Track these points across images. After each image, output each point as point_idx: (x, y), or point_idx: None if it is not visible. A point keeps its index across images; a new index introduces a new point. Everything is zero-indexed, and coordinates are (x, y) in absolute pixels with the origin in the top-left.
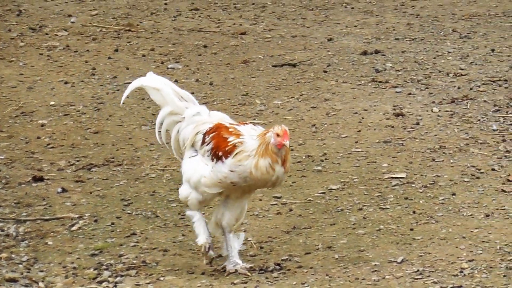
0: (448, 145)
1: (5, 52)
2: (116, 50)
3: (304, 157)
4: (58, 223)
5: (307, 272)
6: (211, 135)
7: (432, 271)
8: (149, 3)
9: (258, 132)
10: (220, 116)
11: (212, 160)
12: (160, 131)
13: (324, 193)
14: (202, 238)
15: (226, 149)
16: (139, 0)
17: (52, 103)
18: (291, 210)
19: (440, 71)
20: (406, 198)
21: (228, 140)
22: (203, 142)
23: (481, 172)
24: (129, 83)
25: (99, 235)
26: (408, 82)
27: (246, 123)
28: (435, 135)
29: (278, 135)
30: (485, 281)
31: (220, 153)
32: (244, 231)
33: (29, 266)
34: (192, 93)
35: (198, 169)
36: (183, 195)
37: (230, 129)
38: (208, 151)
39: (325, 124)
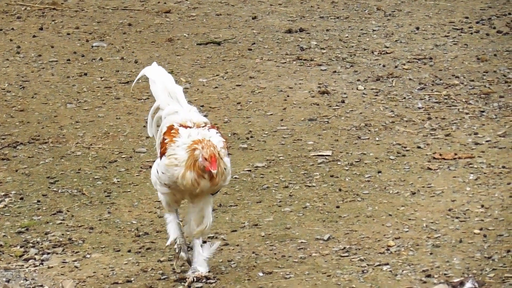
0: (374, 123)
1: None
2: (41, 29)
3: (229, 135)
4: None
5: (233, 249)
6: (163, 135)
7: (359, 249)
8: None
9: (193, 139)
10: (196, 120)
11: (158, 157)
12: (150, 125)
13: (250, 170)
14: (170, 238)
15: (162, 149)
16: None
17: None
18: None
19: (365, 49)
20: (332, 176)
21: (165, 141)
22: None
23: (406, 150)
24: (55, 61)
25: (25, 212)
26: (333, 60)
27: (198, 127)
28: (361, 113)
29: (205, 159)
30: (411, 258)
31: (160, 152)
32: (223, 239)
33: None
34: (186, 89)
35: (154, 167)
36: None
37: (172, 131)
38: (157, 148)
39: (250, 102)
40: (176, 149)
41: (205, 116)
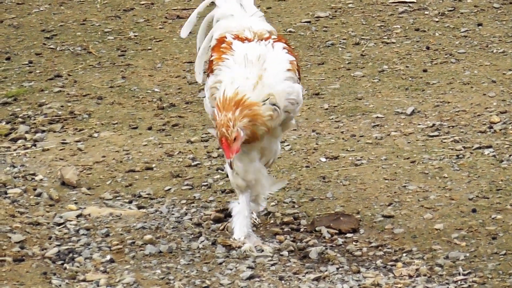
0: None
1: None
2: None
3: None
4: None
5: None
6: (211, 49)
7: (452, 126)
8: None
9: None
10: (258, 28)
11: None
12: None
13: (309, 22)
14: (237, 234)
15: (209, 69)
16: None
17: None
18: None
19: None
20: (418, 30)
21: (212, 59)
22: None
23: None
24: None
25: (12, 77)
26: None
27: (260, 40)
28: None
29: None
30: None
31: (208, 70)
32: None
33: None
34: None
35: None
36: None
37: (223, 45)
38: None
39: None
40: (222, 73)
41: None
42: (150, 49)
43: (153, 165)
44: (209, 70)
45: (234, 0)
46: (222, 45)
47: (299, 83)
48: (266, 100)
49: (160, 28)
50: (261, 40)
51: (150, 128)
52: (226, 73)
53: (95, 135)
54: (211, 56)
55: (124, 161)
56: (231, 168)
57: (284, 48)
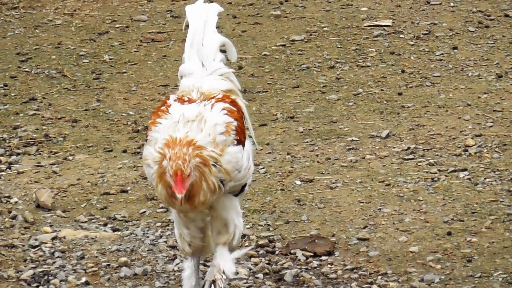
0: None
1: None
2: None
3: None
4: None
5: (261, 150)
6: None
7: (427, 149)
8: None
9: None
10: (208, 88)
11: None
12: None
13: (284, 45)
14: None
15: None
16: None
17: None
18: (240, 68)
19: None
20: (393, 53)
21: (150, 121)
22: None
23: (491, 19)
24: None
25: None
26: None
27: (202, 101)
28: None
29: (170, 175)
30: (496, 162)
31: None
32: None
33: None
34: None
35: None
36: None
37: (162, 108)
38: None
39: None
40: (153, 137)
41: None
42: (125, 72)
43: (128, 188)
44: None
45: (196, 58)
46: (161, 107)
47: (241, 145)
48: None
49: (135, 51)
50: (206, 99)
51: (125, 151)
52: (156, 135)
53: (70, 158)
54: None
55: (99, 184)
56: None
57: (223, 109)
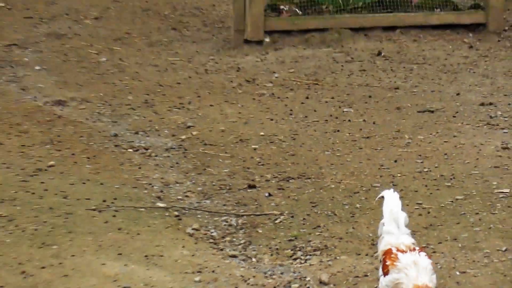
0: None
1: (228, 96)
2: (307, 98)
3: (438, 176)
4: (265, 218)
5: (438, 256)
6: (382, 255)
7: None
8: (331, 65)
9: (412, 271)
10: (407, 243)
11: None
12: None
13: (452, 201)
14: None
15: (384, 270)
16: (323, 63)
17: (262, 133)
18: (429, 212)
19: None
20: (509, 207)
21: (386, 263)
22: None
23: None
24: (316, 121)
25: (294, 226)
26: None
27: (410, 251)
28: None
29: None
30: None
31: (382, 271)
32: None
33: (245, 247)
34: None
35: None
36: None
37: (392, 255)
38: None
39: (453, 153)
40: (397, 274)
41: (418, 171)
42: (368, 213)
43: (368, 274)
44: (384, 270)
45: (394, 224)
46: (391, 255)
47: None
48: None
49: (373, 202)
50: (410, 250)
51: (367, 255)
52: (402, 273)
53: (338, 257)
54: (385, 261)
55: (352, 271)
56: None
57: (425, 255)
